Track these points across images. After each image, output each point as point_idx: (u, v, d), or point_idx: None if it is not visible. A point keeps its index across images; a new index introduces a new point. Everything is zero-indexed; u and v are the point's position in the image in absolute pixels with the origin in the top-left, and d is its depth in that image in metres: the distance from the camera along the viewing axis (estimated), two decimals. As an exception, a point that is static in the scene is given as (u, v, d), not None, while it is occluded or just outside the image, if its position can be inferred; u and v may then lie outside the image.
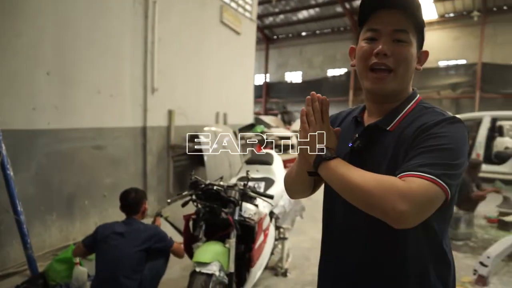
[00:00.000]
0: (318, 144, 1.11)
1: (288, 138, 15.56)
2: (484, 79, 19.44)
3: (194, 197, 2.64)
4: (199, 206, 2.61)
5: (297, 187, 1.38)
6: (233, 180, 3.68)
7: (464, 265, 4.14)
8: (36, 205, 4.02)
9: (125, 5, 5.10)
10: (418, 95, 1.22)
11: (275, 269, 3.78)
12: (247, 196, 2.71)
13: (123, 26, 5.09)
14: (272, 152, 4.20)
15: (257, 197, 2.79)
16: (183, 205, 2.74)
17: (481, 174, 8.77)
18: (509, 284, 3.71)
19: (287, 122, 23.94)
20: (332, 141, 1.14)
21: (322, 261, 1.33)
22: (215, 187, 2.58)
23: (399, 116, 1.15)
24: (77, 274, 3.27)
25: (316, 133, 1.13)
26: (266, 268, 3.55)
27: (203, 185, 2.63)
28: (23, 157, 3.85)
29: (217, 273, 2.32)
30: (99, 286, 2.80)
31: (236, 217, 2.57)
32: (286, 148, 15.92)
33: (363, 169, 1.05)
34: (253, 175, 3.70)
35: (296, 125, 19.06)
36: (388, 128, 1.14)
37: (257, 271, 2.90)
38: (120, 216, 5.13)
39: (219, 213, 2.50)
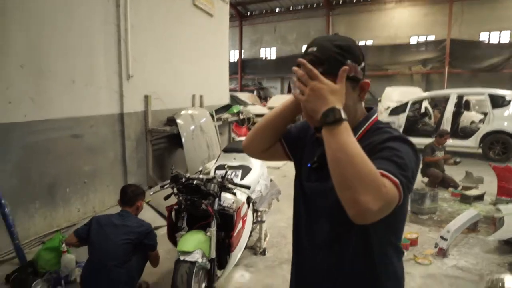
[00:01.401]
0: (331, 99, 1.06)
1: (264, 115, 15.77)
2: (453, 55, 20.01)
3: (175, 190, 2.82)
4: (181, 198, 2.78)
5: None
6: (212, 168, 3.86)
7: (428, 238, 4.50)
8: (19, 196, 4.09)
9: (97, -7, 5.06)
10: (374, 115, 1.30)
11: (254, 249, 4.04)
12: (225, 187, 2.90)
13: (95, 15, 5.06)
14: (248, 139, 4.38)
15: (235, 188, 2.98)
16: (166, 198, 2.92)
17: (448, 148, 9.33)
18: (466, 255, 4.08)
19: (263, 98, 24.09)
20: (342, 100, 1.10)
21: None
22: (195, 182, 2.75)
23: (359, 133, 1.24)
24: (65, 262, 3.45)
25: (329, 86, 1.08)
26: (246, 248, 3.79)
27: (183, 179, 2.80)
28: (2, 151, 3.90)
29: (199, 260, 2.53)
30: (90, 273, 2.97)
31: (216, 207, 2.76)
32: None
33: (321, 186, 1.22)
34: (230, 163, 3.89)
35: (272, 101, 19.23)
36: None
37: (237, 254, 3.13)
38: (101, 203, 5.28)
39: (200, 205, 2.68)
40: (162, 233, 4.48)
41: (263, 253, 3.96)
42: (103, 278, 2.88)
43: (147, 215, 4.79)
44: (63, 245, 3.52)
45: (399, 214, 1.23)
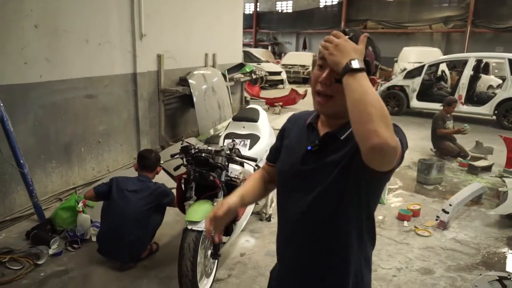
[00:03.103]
0: (353, 54, 1.14)
1: (278, 73, 15.61)
2: (476, 13, 19.14)
3: (184, 161, 2.93)
4: (190, 168, 2.89)
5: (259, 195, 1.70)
6: (222, 137, 3.95)
7: (430, 209, 4.59)
8: (37, 155, 4.28)
9: None
10: None
11: (260, 214, 4.20)
12: (232, 159, 3.00)
13: (108, -29, 4.99)
14: (258, 107, 4.42)
15: (242, 161, 3.08)
16: (175, 168, 3.03)
17: (462, 114, 9.22)
18: (466, 228, 4.19)
19: (277, 55, 23.68)
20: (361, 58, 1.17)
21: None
22: (203, 154, 2.85)
23: (351, 129, 1.24)
24: (81, 221, 3.66)
25: (351, 44, 1.16)
26: (252, 214, 3.95)
27: (192, 151, 2.90)
28: (20, 111, 4.03)
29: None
30: (109, 234, 3.17)
31: (223, 179, 2.87)
32: (276, 83, 16.00)
33: (314, 168, 1.31)
34: (239, 131, 3.97)
35: (287, 58, 18.92)
36: (341, 138, 1.29)
37: (242, 223, 3.29)
38: (115, 161, 5.44)
39: (208, 177, 2.79)
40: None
41: (268, 219, 4.12)
42: (121, 240, 3.08)
43: (159, 177, 4.96)
44: (79, 205, 3.72)
45: (380, 186, 1.32)
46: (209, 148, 3.00)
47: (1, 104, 3.58)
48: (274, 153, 1.57)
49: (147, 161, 3.38)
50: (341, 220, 1.30)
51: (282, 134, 1.55)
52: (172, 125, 7.00)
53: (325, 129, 1.36)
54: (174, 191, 3.27)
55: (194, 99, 6.45)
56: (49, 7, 4.23)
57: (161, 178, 3.75)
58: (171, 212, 4.15)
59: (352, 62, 1.11)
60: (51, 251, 3.38)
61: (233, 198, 1.52)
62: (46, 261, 3.29)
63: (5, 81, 3.84)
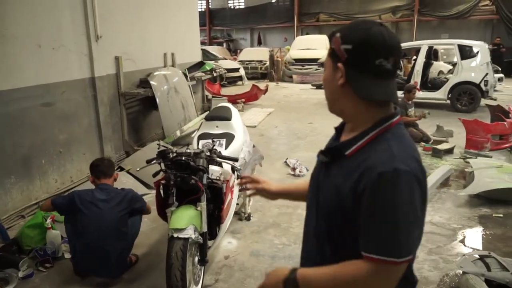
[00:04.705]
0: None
1: (236, 70, 15.50)
2: (422, 2, 19.95)
3: (163, 166, 2.79)
4: (169, 174, 2.76)
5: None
6: (195, 138, 3.83)
7: (402, 194, 4.70)
8: (-8, 171, 3.96)
9: None
10: (387, 123, 1.16)
11: (239, 214, 4.12)
12: (213, 160, 2.90)
13: (58, -29, 4.69)
14: (229, 105, 4.33)
15: (223, 162, 2.98)
16: (154, 175, 2.89)
17: (419, 100, 9.54)
18: (439, 210, 4.31)
19: (232, 51, 23.56)
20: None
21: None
22: (183, 158, 2.72)
23: (357, 144, 1.16)
24: (51, 238, 3.42)
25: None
26: (234, 214, 3.86)
27: (170, 155, 2.77)
28: (-29, 125, 3.71)
29: (193, 236, 2.56)
30: (85, 255, 2.96)
31: (205, 182, 2.76)
32: (235, 80, 15.89)
33: (321, 182, 1.23)
34: (213, 131, 3.86)
35: (243, 55, 18.85)
36: (346, 153, 1.17)
37: (226, 224, 3.19)
38: (79, 172, 5.16)
39: (189, 181, 2.68)
40: (147, 201, 4.49)
41: (248, 218, 4.05)
42: (105, 254, 2.91)
43: (129, 184, 4.76)
44: (47, 221, 3.48)
45: None
46: (188, 150, 2.88)
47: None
48: None
49: (100, 167, 3.18)
50: (347, 240, 1.16)
51: None
52: (135, 129, 6.75)
53: (345, 135, 1.25)
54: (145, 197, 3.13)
55: (157, 100, 6.26)
56: (-5, 11, 3.91)
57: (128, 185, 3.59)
58: (145, 220, 3.97)
59: (287, 276, 1.17)
60: (21, 274, 3.12)
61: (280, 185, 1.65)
62: (17, 285, 3.04)
63: (-49, 93, 3.51)
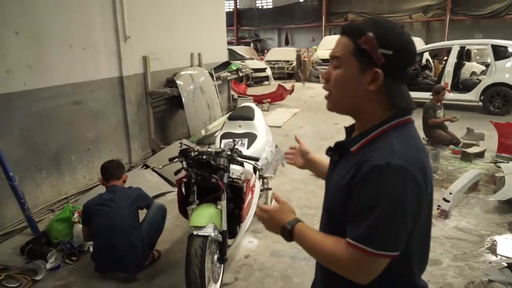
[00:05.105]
0: (279, 220, 1.25)
1: (263, 70, 15.53)
2: (455, 1, 19.39)
3: (185, 164, 2.83)
4: (191, 172, 2.80)
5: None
6: (217, 137, 3.86)
7: (428, 198, 4.58)
8: (26, 166, 4.11)
9: (89, -51, 4.79)
10: (394, 121, 1.14)
11: (260, 214, 4.12)
12: (234, 160, 2.92)
13: (89, -27, 4.84)
14: (252, 105, 4.35)
15: (244, 161, 3.00)
16: (176, 173, 2.94)
17: (449, 102, 9.29)
18: (467, 215, 4.19)
19: (260, 51, 23.61)
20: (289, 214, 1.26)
21: None
22: (204, 157, 2.76)
23: (362, 140, 1.15)
24: (77, 232, 3.53)
25: (272, 212, 1.28)
26: (255, 214, 3.88)
27: (192, 154, 2.81)
28: (4, 122, 3.86)
29: (212, 234, 2.59)
30: (101, 252, 3.07)
31: (226, 181, 2.79)
32: (261, 80, 15.92)
33: (329, 178, 1.25)
34: (235, 131, 3.89)
35: (270, 55, 18.86)
36: (351, 149, 1.16)
37: (246, 224, 3.21)
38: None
39: (210, 180, 2.71)
40: (169, 199, 4.58)
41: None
42: (118, 252, 2.98)
43: (153, 181, 4.86)
44: (75, 215, 3.59)
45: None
46: (210, 149, 2.91)
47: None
48: None
49: (109, 170, 3.28)
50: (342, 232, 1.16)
51: None
52: (161, 128, 6.87)
53: (356, 132, 1.24)
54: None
55: (183, 100, 6.35)
56: (29, 14, 4.06)
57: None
58: (169, 217, 4.03)
59: (283, 233, 1.23)
60: (48, 266, 3.24)
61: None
62: (44, 276, 3.16)
63: (-13, 91, 3.68)
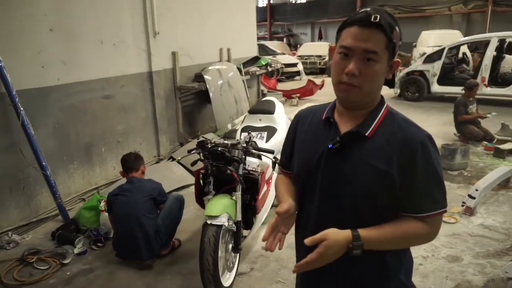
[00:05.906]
0: (340, 248, 1.17)
1: (294, 65, 15.47)
2: (498, -9, 18.47)
3: (201, 156, 2.92)
4: (207, 163, 2.88)
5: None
6: (238, 130, 3.93)
7: (456, 196, 4.46)
8: (58, 156, 4.35)
9: None
10: (386, 103, 1.30)
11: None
12: (249, 152, 2.98)
13: (119, -29, 5.01)
14: (274, 99, 4.38)
15: (260, 154, 3.05)
16: (193, 164, 3.03)
17: (486, 97, 8.93)
18: (494, 213, 4.06)
19: (293, 46, 23.50)
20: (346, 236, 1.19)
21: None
22: (220, 148, 2.83)
23: (374, 123, 1.24)
24: (104, 220, 3.71)
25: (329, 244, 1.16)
26: (272, 206, 3.92)
27: (209, 145, 2.89)
28: (39, 114, 4.09)
29: (226, 224, 2.66)
30: (119, 240, 3.25)
31: (241, 172, 2.85)
32: (292, 75, 15.87)
33: (339, 168, 1.23)
34: (256, 124, 3.94)
35: (302, 49, 18.74)
36: (366, 134, 1.22)
37: (262, 215, 3.26)
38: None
39: (225, 171, 2.78)
40: (193, 191, 4.68)
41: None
42: (134, 239, 3.11)
43: (179, 174, 4.99)
44: (101, 204, 3.77)
45: None
46: (225, 142, 2.99)
47: (22, 109, 3.66)
48: (288, 158, 1.47)
49: (128, 162, 3.43)
50: (376, 217, 1.24)
51: (294, 135, 1.45)
52: (189, 122, 7.03)
53: (344, 122, 1.28)
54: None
55: (211, 94, 6.45)
56: (62, 11, 4.27)
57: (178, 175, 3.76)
58: (191, 208, 4.17)
59: (352, 251, 1.17)
60: (76, 251, 3.44)
61: (288, 200, 1.38)
62: (72, 260, 3.36)
63: (24, 85, 3.89)
